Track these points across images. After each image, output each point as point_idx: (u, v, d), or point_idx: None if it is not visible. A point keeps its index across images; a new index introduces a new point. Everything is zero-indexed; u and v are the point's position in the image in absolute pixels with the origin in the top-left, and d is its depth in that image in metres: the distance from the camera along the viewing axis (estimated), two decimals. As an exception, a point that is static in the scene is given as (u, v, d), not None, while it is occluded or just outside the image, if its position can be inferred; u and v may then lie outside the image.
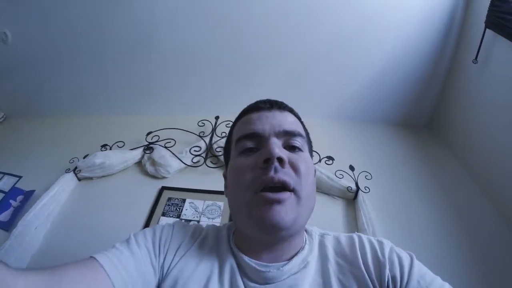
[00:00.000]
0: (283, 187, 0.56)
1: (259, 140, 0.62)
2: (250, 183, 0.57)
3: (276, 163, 0.56)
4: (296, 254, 0.61)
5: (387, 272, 0.56)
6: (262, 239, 0.60)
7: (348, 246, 0.63)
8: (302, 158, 0.61)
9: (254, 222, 0.56)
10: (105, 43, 1.75)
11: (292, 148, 0.62)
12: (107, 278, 0.52)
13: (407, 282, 0.54)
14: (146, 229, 0.68)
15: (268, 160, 0.56)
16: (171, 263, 0.62)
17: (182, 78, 1.85)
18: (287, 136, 0.62)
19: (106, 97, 1.95)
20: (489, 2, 1.31)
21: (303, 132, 0.67)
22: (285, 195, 0.55)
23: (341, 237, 0.67)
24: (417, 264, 0.58)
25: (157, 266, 0.61)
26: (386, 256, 0.59)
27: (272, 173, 0.56)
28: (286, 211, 0.54)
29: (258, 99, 0.71)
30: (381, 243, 0.62)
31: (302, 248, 0.63)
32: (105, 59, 1.80)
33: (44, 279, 0.47)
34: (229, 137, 0.72)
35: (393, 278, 0.55)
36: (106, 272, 0.53)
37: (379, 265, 0.58)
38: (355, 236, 0.66)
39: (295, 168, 0.58)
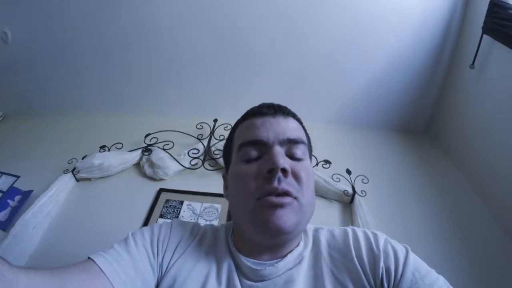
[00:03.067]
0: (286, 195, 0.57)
1: (263, 147, 0.62)
2: (253, 192, 0.58)
3: (280, 174, 0.57)
4: (291, 251, 0.62)
5: (382, 264, 0.56)
6: (263, 242, 0.61)
7: (341, 239, 0.64)
8: (304, 167, 0.61)
9: (258, 228, 0.57)
10: (105, 44, 1.76)
11: (294, 156, 0.62)
12: (108, 282, 0.53)
13: (402, 274, 0.54)
14: (144, 228, 0.68)
15: (272, 171, 0.57)
16: (169, 262, 0.62)
17: (181, 80, 1.86)
18: (290, 143, 0.62)
19: (106, 98, 1.95)
20: (487, 8, 1.32)
21: (305, 139, 0.67)
22: (288, 199, 0.56)
23: (334, 230, 0.67)
24: (412, 256, 0.58)
25: (156, 265, 0.61)
26: (381, 248, 0.59)
27: (276, 183, 0.56)
28: (288, 215, 0.55)
29: (259, 102, 0.71)
30: (375, 235, 0.62)
31: (298, 244, 0.64)
32: (105, 60, 1.81)
33: (46, 280, 0.47)
34: (230, 138, 0.72)
35: (387, 270, 0.55)
36: (106, 276, 0.53)
37: (374, 257, 0.58)
38: (349, 229, 0.66)
39: (297, 178, 0.59)
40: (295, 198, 0.57)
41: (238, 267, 0.61)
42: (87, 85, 1.91)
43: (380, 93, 1.80)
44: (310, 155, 0.72)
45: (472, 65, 1.43)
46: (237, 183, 0.63)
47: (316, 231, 0.68)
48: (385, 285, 0.54)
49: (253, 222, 0.57)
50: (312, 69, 1.76)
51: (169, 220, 0.72)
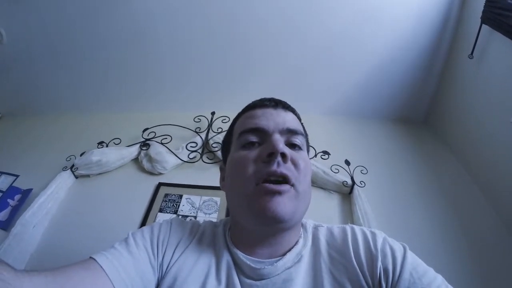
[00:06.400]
0: (284, 180, 0.58)
1: (263, 135, 0.63)
2: (252, 175, 0.59)
3: (279, 158, 0.58)
4: (290, 249, 0.62)
5: (379, 264, 0.56)
6: (259, 232, 0.61)
7: (340, 238, 0.64)
8: (302, 156, 0.63)
9: (254, 213, 0.57)
10: (101, 41, 1.73)
11: (293, 146, 0.64)
12: (108, 280, 0.53)
13: (400, 274, 0.54)
14: (144, 227, 0.68)
15: (272, 154, 0.58)
16: (170, 261, 0.62)
17: (178, 74, 1.84)
18: (289, 134, 0.64)
19: (102, 94, 1.94)
20: (486, -2, 1.31)
21: (303, 132, 0.70)
22: (286, 187, 0.57)
23: (334, 228, 0.67)
24: (410, 255, 0.58)
25: (156, 265, 0.61)
26: (379, 247, 0.59)
27: (275, 166, 0.58)
28: (285, 203, 0.56)
29: (257, 95, 0.72)
30: (374, 234, 0.62)
31: (297, 242, 0.64)
32: (101, 56, 1.79)
33: (48, 282, 0.47)
34: (230, 130, 0.74)
35: (385, 270, 0.56)
36: (107, 274, 0.54)
37: (371, 258, 0.58)
38: (348, 227, 0.66)
39: (295, 164, 0.60)
40: (292, 185, 0.58)
41: (237, 264, 0.61)
42: (83, 82, 1.89)
43: (379, 84, 1.78)
44: (308, 149, 0.74)
45: (471, 55, 1.42)
46: (235, 168, 0.63)
47: (315, 229, 0.69)
48: (383, 285, 0.54)
49: (250, 208, 0.58)
50: (310, 61, 1.75)
51: (168, 219, 0.72)
